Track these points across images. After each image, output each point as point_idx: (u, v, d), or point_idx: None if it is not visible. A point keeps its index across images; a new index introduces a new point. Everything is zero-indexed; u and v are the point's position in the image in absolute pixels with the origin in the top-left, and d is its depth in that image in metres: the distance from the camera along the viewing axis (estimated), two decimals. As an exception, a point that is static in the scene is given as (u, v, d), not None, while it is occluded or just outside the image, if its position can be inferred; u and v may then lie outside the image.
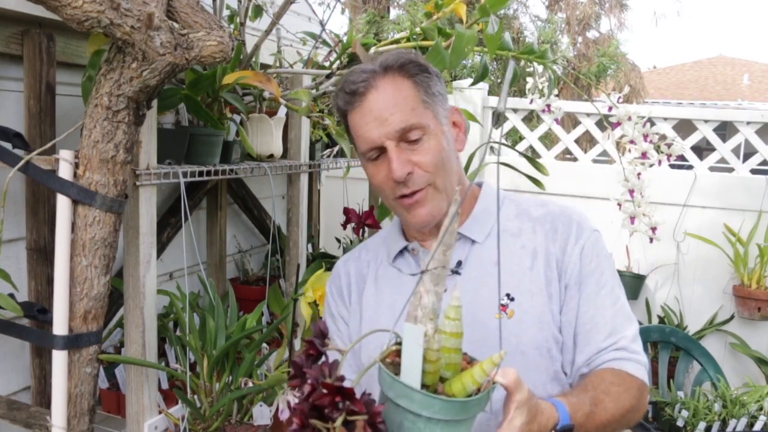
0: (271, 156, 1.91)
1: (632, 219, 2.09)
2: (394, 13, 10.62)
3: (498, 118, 0.82)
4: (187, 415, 1.53)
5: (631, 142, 2.03)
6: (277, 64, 2.03)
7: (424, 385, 0.74)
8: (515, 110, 3.34)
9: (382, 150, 1.04)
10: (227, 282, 2.21)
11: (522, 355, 1.03)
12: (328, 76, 1.78)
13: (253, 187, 2.36)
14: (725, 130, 3.89)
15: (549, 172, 2.06)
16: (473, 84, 1.94)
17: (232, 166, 1.74)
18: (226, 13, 1.83)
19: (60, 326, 1.22)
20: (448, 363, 0.76)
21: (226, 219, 2.23)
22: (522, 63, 1.86)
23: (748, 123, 2.98)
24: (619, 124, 2.04)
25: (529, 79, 2.12)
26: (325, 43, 2.09)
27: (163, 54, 1.15)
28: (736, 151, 3.14)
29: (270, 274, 2.08)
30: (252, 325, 1.64)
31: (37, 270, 1.45)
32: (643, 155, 2.03)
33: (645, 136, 2.02)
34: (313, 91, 1.76)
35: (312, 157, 2.20)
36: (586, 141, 5.61)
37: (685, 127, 3.09)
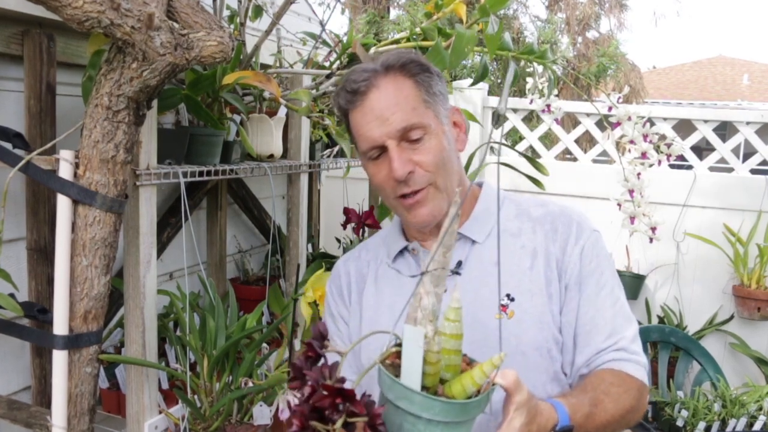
0: (271, 156, 1.91)
1: (632, 219, 2.09)
2: (394, 13, 10.61)
3: (498, 119, 0.82)
4: (188, 415, 1.53)
5: (631, 142, 2.03)
6: (277, 64, 2.03)
7: (424, 387, 0.74)
8: (515, 110, 3.34)
9: (383, 149, 1.04)
10: (227, 282, 2.21)
11: (522, 356, 1.03)
12: (328, 77, 1.78)
13: (253, 187, 2.36)
14: (725, 130, 3.89)
15: (549, 172, 2.05)
16: (473, 84, 1.94)
17: (232, 166, 1.74)
18: (226, 13, 1.83)
19: (60, 326, 1.22)
20: (448, 364, 0.76)
21: (226, 219, 2.23)
22: (522, 63, 1.86)
23: (748, 123, 2.98)
24: (618, 124, 2.04)
25: (529, 79, 2.12)
26: (325, 43, 2.09)
27: (163, 54, 1.15)
28: (735, 151, 3.14)
29: (270, 274, 2.08)
30: (252, 325, 1.64)
31: (38, 270, 1.45)
32: (643, 155, 2.03)
33: (645, 136, 2.02)
34: (313, 91, 1.76)
35: (312, 157, 2.20)
36: (586, 141, 5.60)
37: (684, 127, 3.08)
